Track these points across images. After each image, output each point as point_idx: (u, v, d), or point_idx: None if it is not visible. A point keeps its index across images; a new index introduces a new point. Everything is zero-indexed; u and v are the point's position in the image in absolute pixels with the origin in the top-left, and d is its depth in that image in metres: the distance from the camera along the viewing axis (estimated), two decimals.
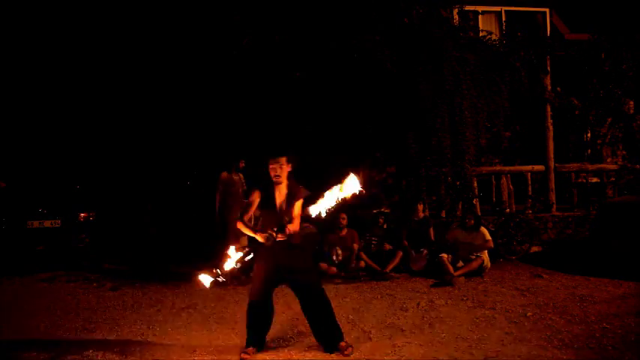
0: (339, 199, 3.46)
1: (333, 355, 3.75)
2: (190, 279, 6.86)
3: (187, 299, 5.74)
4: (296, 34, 7.67)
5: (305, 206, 3.68)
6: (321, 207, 3.49)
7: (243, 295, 5.85)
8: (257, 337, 3.87)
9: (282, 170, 3.73)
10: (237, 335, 4.30)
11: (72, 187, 10.28)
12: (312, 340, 3.93)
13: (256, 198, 3.85)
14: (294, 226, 3.69)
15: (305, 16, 7.63)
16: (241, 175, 7.09)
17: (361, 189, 3.45)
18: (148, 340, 4.22)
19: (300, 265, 3.79)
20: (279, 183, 3.77)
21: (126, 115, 9.39)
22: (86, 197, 9.86)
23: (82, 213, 9.12)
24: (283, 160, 3.74)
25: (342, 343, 3.76)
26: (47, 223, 8.71)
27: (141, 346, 4.05)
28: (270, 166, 3.74)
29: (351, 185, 3.43)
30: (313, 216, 3.53)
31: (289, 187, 3.81)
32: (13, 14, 9.26)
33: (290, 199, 3.77)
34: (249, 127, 8.34)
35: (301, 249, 3.85)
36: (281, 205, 3.78)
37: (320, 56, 7.62)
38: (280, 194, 3.80)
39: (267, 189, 3.80)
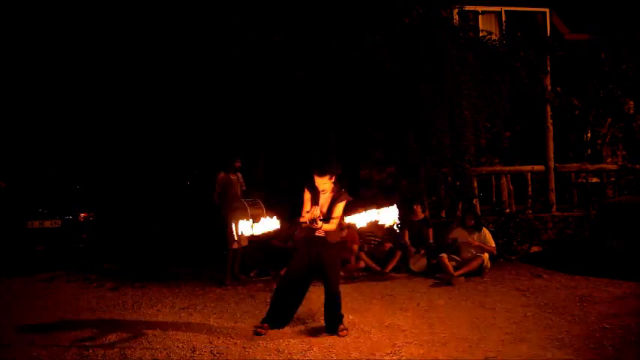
0: (373, 222, 3.97)
1: (327, 336, 4.19)
2: (190, 279, 6.88)
3: (187, 299, 5.74)
4: (296, 34, 7.67)
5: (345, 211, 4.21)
6: (356, 220, 4.03)
7: (244, 296, 5.86)
8: (274, 317, 4.40)
9: (326, 184, 4.24)
10: (238, 335, 4.30)
11: (72, 187, 10.26)
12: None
13: (307, 194, 4.33)
14: (329, 225, 4.20)
15: (305, 16, 7.63)
16: (240, 175, 7.06)
17: (395, 222, 4.00)
18: (148, 340, 4.22)
19: (328, 262, 4.33)
20: (325, 193, 4.30)
21: (126, 115, 9.39)
22: (86, 197, 9.85)
23: (82, 213, 9.11)
24: (327, 177, 4.23)
25: (340, 326, 4.29)
26: (47, 223, 8.69)
27: (141, 346, 4.05)
28: (317, 180, 4.24)
29: (388, 215, 3.95)
30: (346, 222, 4.12)
31: (333, 192, 4.33)
32: (14, 14, 9.25)
33: (332, 202, 4.29)
34: (249, 126, 8.34)
35: (333, 248, 4.41)
36: (322, 206, 4.28)
37: (320, 56, 7.61)
38: (324, 197, 4.31)
39: (314, 191, 4.30)
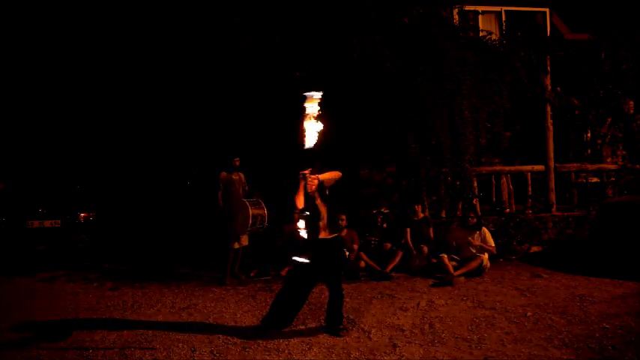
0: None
1: (327, 336, 4.23)
2: (190, 279, 6.89)
3: (187, 299, 5.74)
4: (296, 35, 7.67)
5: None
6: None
7: (244, 296, 5.86)
8: (273, 319, 4.43)
9: (312, 183, 4.27)
10: (238, 335, 4.30)
11: (72, 187, 10.29)
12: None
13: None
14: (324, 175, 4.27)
15: (305, 16, 7.64)
16: (241, 175, 7.07)
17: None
18: (148, 340, 4.22)
19: (332, 264, 4.39)
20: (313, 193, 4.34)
21: (126, 115, 9.40)
22: (86, 197, 9.88)
23: (82, 213, 9.14)
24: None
25: (340, 326, 4.35)
26: (47, 223, 8.72)
27: (141, 346, 4.05)
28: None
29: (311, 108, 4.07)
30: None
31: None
32: (14, 14, 9.26)
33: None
34: (249, 126, 8.34)
35: (336, 250, 4.48)
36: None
37: (320, 56, 7.62)
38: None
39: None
